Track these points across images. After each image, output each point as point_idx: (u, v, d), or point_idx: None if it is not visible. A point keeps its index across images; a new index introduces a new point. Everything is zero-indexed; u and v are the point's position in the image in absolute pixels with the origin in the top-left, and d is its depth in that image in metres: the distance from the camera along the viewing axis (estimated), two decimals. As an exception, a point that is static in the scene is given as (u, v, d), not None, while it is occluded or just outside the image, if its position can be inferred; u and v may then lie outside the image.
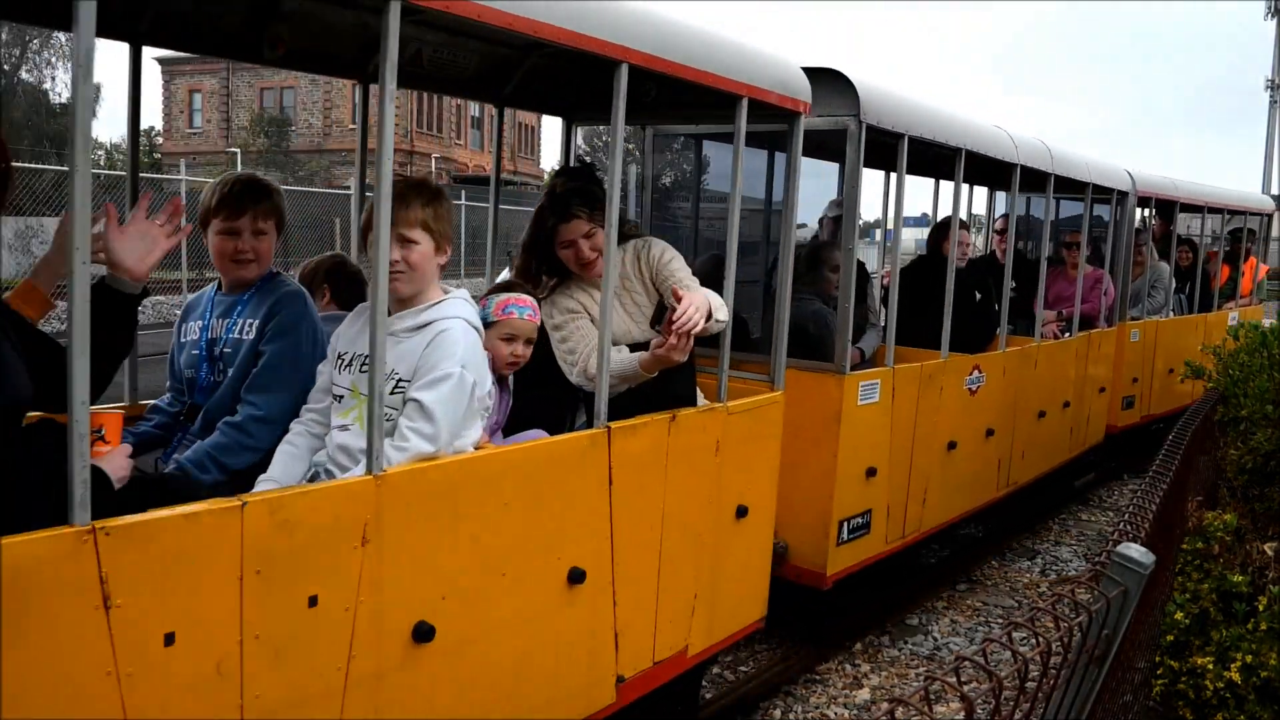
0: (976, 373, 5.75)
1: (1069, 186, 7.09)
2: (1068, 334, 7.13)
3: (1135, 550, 2.08)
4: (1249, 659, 3.30)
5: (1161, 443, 4.03)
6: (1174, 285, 9.30)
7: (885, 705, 4.45)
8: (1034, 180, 6.49)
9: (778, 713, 4.50)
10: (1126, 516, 2.73)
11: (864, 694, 4.70)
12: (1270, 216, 11.65)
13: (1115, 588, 2.03)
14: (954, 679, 1.51)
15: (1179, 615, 3.54)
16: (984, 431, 5.96)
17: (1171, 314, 9.26)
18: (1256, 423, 5.24)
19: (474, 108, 48.45)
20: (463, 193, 31.04)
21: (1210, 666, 3.33)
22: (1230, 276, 10.76)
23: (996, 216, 7.98)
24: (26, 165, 15.57)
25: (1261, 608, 3.52)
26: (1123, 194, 8.03)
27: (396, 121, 44.10)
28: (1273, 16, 48.67)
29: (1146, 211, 9.27)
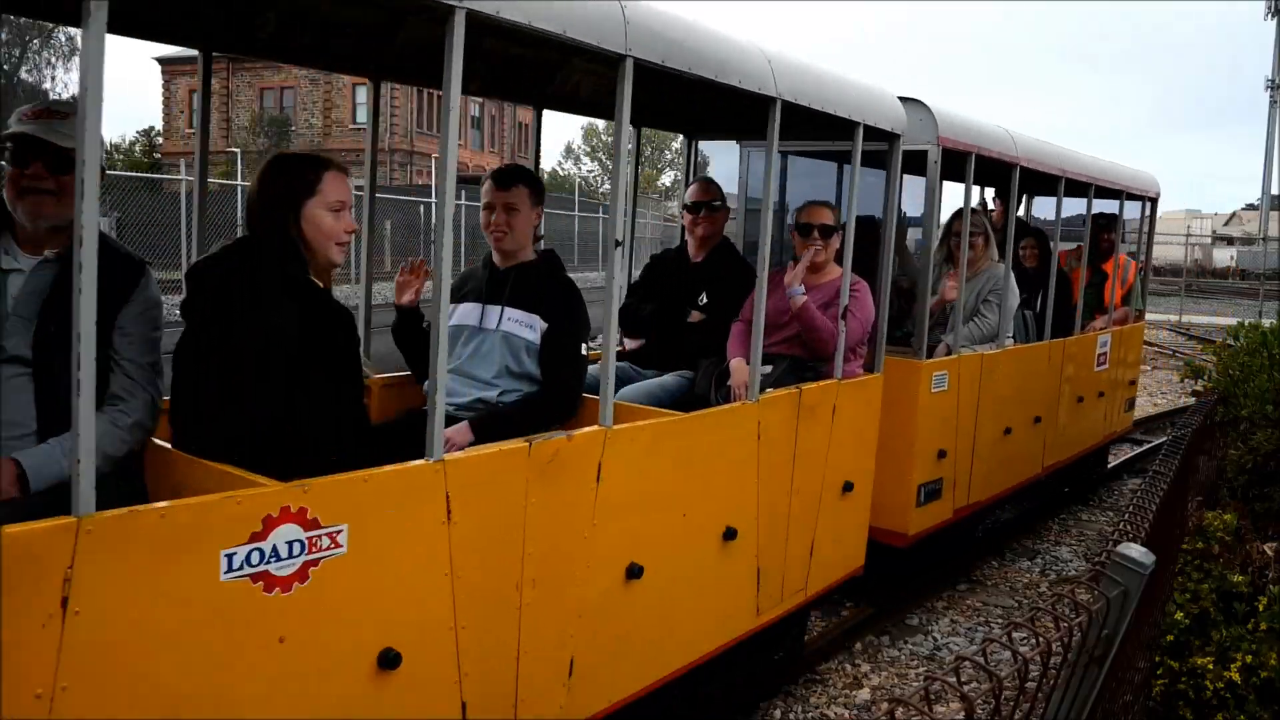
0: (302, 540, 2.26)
1: (799, 126, 4.13)
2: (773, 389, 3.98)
3: (1135, 550, 2.08)
4: (1249, 659, 3.31)
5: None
6: (1018, 298, 6.27)
7: (885, 705, 4.46)
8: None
9: (778, 713, 4.50)
10: (1126, 516, 2.73)
11: (864, 694, 4.70)
12: (1155, 201, 8.48)
13: (1115, 588, 2.03)
14: (954, 679, 1.52)
15: (1179, 615, 3.54)
16: (374, 662, 2.45)
17: (1012, 341, 6.20)
18: (1256, 423, 5.25)
19: (474, 108, 48.45)
20: (463, 193, 31.04)
21: (1210, 666, 3.34)
22: (1091, 282, 7.59)
23: (692, 181, 4.95)
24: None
25: (1261, 608, 3.53)
26: (891, 138, 4.49)
27: (395, 121, 44.13)
28: (1273, 16, 48.79)
29: (981, 187, 6.68)
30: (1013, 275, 6.07)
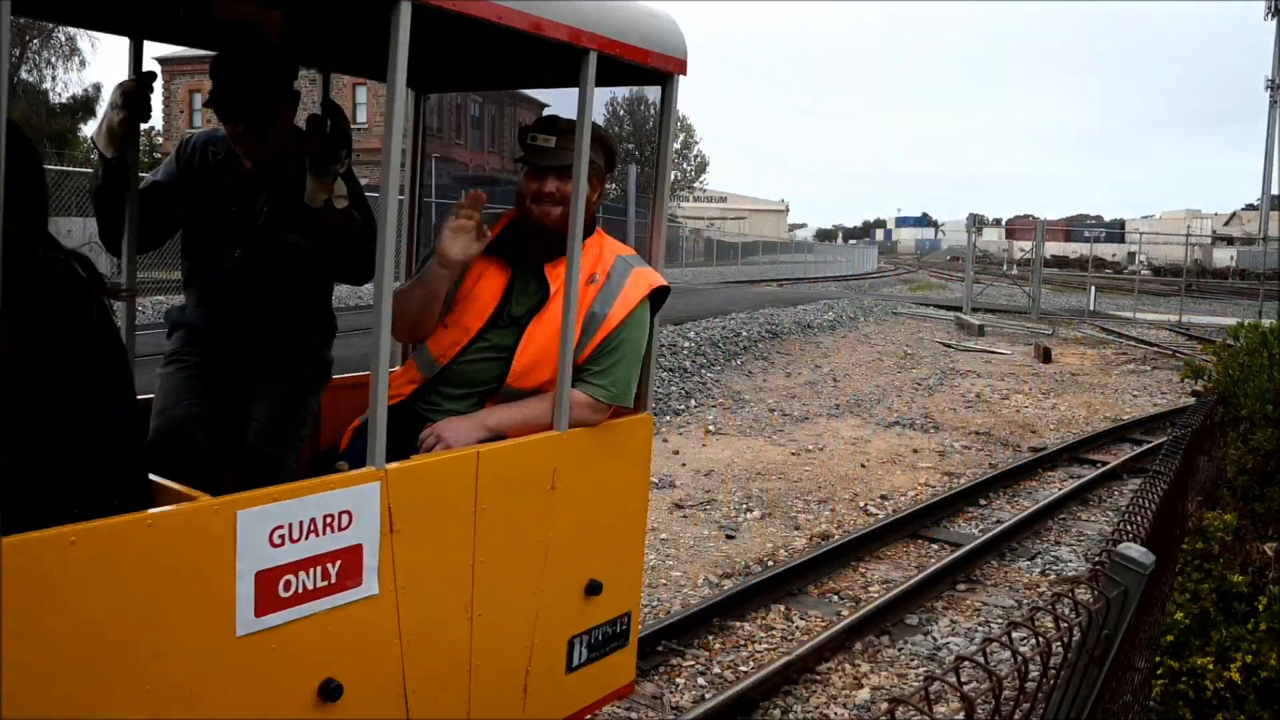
0: None
1: None
2: None
3: (1135, 550, 2.08)
4: (1249, 659, 3.31)
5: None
6: None
7: (885, 705, 4.45)
8: None
9: (778, 713, 4.50)
10: (1126, 516, 2.73)
11: (864, 694, 4.70)
12: (674, 79, 2.88)
13: (1115, 588, 2.03)
14: (954, 679, 1.51)
15: (1179, 615, 3.54)
16: None
17: None
18: (1256, 423, 5.26)
19: (473, 107, 48.44)
20: (463, 193, 31.20)
21: (1210, 666, 3.34)
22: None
23: None
24: (26, 165, 15.53)
25: (1261, 608, 3.53)
26: None
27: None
28: (1273, 16, 48.89)
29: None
30: None
